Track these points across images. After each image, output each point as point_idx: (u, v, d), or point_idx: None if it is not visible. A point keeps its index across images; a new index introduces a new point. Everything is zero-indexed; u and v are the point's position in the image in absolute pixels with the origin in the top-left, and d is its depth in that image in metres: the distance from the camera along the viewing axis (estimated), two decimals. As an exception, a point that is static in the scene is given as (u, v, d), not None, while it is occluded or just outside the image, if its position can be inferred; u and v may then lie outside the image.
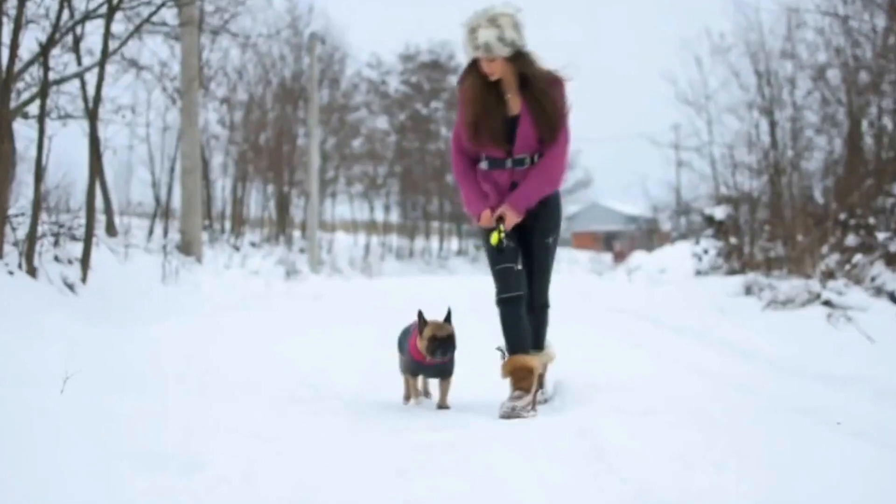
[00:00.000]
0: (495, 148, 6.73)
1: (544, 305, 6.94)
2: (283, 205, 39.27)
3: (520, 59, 6.59)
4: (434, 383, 6.98)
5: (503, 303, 6.73)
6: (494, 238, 6.59)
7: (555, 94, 6.65)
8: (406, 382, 6.96)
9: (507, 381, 6.70)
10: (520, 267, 6.75)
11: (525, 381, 6.51)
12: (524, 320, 6.74)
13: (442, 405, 6.71)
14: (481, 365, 7.31)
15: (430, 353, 6.51)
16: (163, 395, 6.49)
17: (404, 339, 6.84)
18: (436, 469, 4.83)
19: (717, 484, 4.38)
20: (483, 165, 6.85)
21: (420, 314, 6.60)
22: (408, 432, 5.95)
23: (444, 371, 6.68)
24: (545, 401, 6.83)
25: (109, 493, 4.12)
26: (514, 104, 6.70)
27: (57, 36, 12.42)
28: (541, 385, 6.88)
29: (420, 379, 6.98)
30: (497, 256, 6.72)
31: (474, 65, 6.72)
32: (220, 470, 4.56)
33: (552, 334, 7.09)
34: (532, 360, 6.61)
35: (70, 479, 4.20)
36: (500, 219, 6.64)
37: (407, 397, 6.96)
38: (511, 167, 6.74)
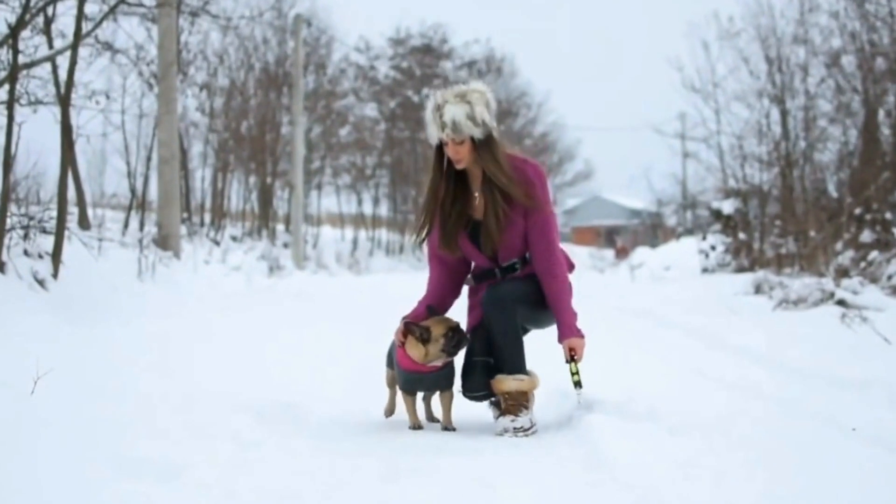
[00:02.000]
0: (474, 255, 6.46)
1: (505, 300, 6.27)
2: (266, 197, 39.21)
3: (484, 148, 6.17)
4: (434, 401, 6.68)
5: (469, 398, 6.41)
6: (573, 378, 6.23)
7: (514, 185, 6.20)
8: (392, 400, 6.68)
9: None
10: (492, 361, 6.32)
11: (516, 404, 6.19)
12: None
13: (448, 426, 6.36)
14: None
15: (450, 349, 6.18)
16: (139, 398, 6.49)
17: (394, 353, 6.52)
18: (423, 474, 4.85)
19: (721, 492, 4.40)
20: (470, 282, 6.59)
21: (409, 324, 6.24)
22: (394, 436, 5.98)
23: (447, 379, 6.35)
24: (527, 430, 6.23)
25: (85, 500, 4.13)
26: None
27: (27, 17, 12.40)
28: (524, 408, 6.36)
29: (421, 405, 6.62)
30: (469, 349, 6.36)
31: (440, 153, 6.35)
32: (199, 476, 4.57)
33: (546, 341, 6.93)
34: (507, 383, 6.23)
35: (44, 486, 4.21)
36: (572, 357, 6.25)
37: (390, 411, 6.67)
38: (501, 276, 6.43)
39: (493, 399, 6.41)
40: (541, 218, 6.29)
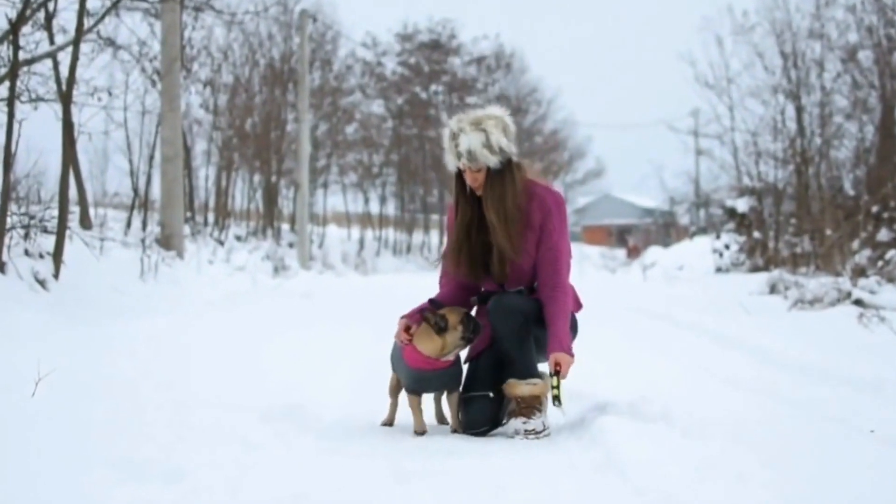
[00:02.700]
0: (484, 280, 6.42)
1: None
2: (270, 196, 39.23)
3: (496, 176, 6.15)
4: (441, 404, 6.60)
5: (470, 434, 6.27)
6: (552, 392, 6.08)
7: (503, 231, 6.18)
8: (393, 411, 6.55)
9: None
10: (493, 395, 6.27)
11: (528, 406, 6.14)
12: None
13: (457, 428, 6.28)
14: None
15: (469, 336, 6.10)
16: (141, 400, 6.48)
17: (396, 353, 6.41)
18: (433, 477, 4.84)
19: (740, 495, 4.38)
20: (474, 302, 6.52)
21: (426, 312, 6.17)
22: (402, 438, 5.97)
23: (456, 379, 6.28)
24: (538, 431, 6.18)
25: (85, 505, 4.12)
26: None
27: (27, 12, 12.42)
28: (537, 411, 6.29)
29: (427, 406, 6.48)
30: (468, 382, 6.33)
31: (460, 180, 6.32)
32: (203, 479, 4.56)
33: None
34: (520, 388, 6.17)
35: (43, 490, 4.20)
36: (556, 371, 6.10)
37: (390, 422, 6.54)
38: None
39: (510, 410, 6.39)
40: (552, 248, 6.28)
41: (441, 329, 6.11)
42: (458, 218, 6.36)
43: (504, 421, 6.34)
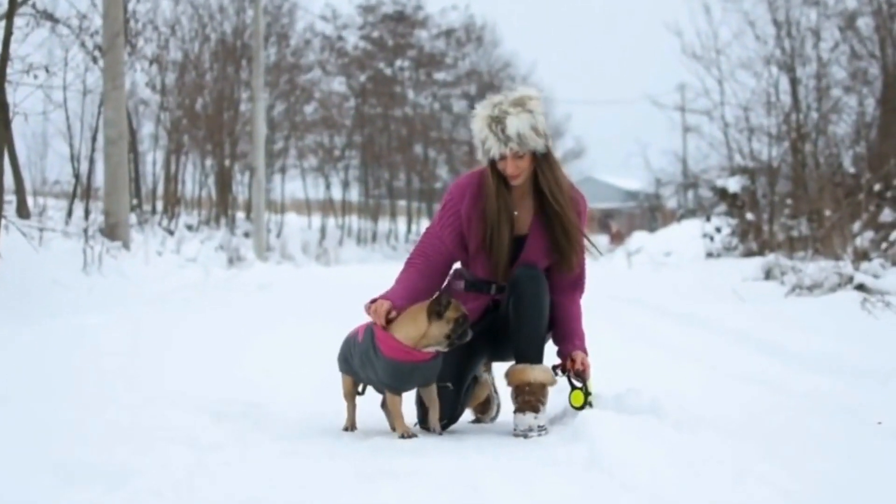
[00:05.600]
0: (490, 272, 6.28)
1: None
2: (224, 182, 39.10)
3: (544, 161, 6.07)
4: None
5: (425, 428, 6.21)
6: (578, 399, 6.07)
7: (574, 217, 6.13)
8: (352, 413, 6.31)
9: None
10: (451, 385, 6.20)
11: (534, 399, 6.03)
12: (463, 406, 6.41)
13: (437, 427, 6.11)
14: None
15: (456, 337, 5.85)
16: (83, 400, 6.44)
17: (369, 350, 6.01)
18: (405, 475, 4.80)
19: (737, 492, 4.36)
20: (459, 286, 6.33)
21: (439, 297, 5.91)
22: (367, 438, 5.90)
23: (436, 370, 6.04)
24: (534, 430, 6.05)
25: (23, 511, 4.08)
26: (523, 222, 6.19)
27: (-45, -18, 12.31)
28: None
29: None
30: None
31: (494, 169, 6.09)
32: (151, 482, 4.53)
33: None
34: (533, 372, 6.07)
35: (-26, 496, 4.16)
36: (580, 375, 6.15)
37: (351, 426, 6.27)
38: (494, 293, 6.27)
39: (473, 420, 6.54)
40: (580, 255, 6.29)
41: (438, 314, 5.86)
42: (490, 211, 6.14)
43: (480, 419, 6.33)
